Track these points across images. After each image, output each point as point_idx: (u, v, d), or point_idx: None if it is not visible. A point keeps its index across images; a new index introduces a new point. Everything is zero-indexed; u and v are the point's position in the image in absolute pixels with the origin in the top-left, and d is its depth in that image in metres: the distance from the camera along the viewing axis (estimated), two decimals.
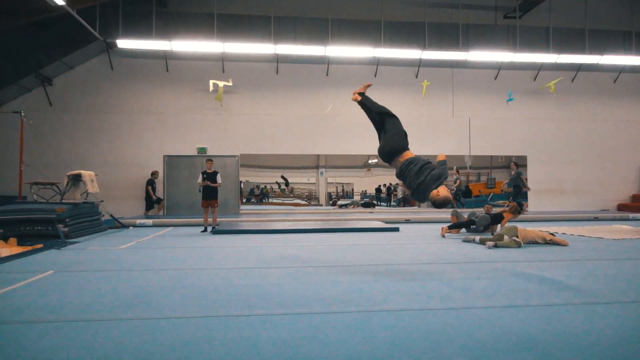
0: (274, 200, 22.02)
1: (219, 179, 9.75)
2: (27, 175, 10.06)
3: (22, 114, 10.21)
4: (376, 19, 13.70)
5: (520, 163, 16.24)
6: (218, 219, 10.50)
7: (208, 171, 9.73)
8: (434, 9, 14.39)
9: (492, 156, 16.78)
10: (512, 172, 12.69)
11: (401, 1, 14.51)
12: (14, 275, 4.99)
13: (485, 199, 16.69)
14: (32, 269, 5.40)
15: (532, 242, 7.39)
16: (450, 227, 8.90)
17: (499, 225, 8.81)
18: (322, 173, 23.00)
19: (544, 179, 15.22)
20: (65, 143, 12.84)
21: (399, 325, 3.24)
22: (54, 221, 8.27)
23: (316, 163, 22.68)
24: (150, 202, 12.97)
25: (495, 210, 9.30)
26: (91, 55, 13.26)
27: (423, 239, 8.41)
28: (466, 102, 14.95)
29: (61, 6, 9.22)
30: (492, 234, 8.23)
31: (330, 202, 22.56)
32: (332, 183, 25.79)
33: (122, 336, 3.05)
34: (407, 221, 12.11)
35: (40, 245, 7.47)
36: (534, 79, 15.14)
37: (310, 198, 24.84)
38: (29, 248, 7.21)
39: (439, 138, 14.73)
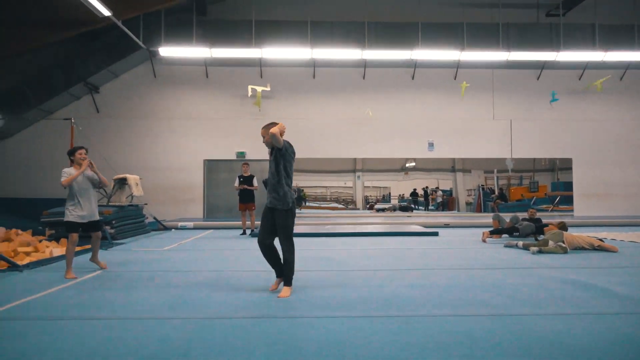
0: (311, 204, 22.14)
1: (255, 182, 9.87)
2: None
3: (72, 120, 10.74)
4: (413, 20, 13.56)
5: (564, 166, 15.64)
6: (258, 222, 10.63)
7: (245, 175, 9.89)
8: (472, 9, 14.11)
9: (534, 159, 16.25)
10: None
11: (438, 2, 14.31)
12: (60, 273, 5.23)
13: (528, 202, 16.17)
14: (82, 269, 5.65)
15: (579, 248, 7.09)
16: (491, 232, 8.67)
17: None
18: (358, 177, 22.93)
19: (590, 182, 14.58)
20: (111, 148, 13.37)
21: (441, 331, 3.18)
22: (101, 223, 8.61)
23: (353, 167, 22.65)
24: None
25: (539, 215, 8.97)
26: (135, 63, 13.77)
27: (463, 244, 8.23)
28: (507, 103, 14.54)
29: (108, 17, 9.63)
30: (536, 240, 7.95)
31: (367, 206, 22.45)
32: (369, 187, 25.70)
33: (167, 334, 3.14)
34: (446, 225, 11.88)
35: (89, 246, 7.79)
36: (579, 79, 14.56)
37: (347, 202, 24.82)
38: (79, 248, 7.54)
39: (479, 140, 14.39)
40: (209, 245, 8.35)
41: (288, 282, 4.28)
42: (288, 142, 4.29)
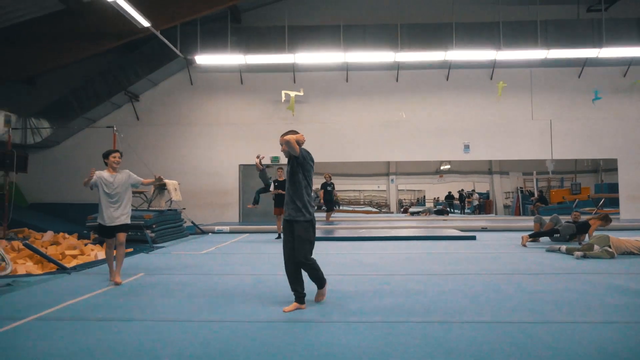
0: (345, 208, 22.10)
1: None
2: None
3: (115, 128, 11.15)
4: (447, 21, 13.37)
5: (609, 167, 14.99)
6: None
7: (279, 179, 9.98)
8: (509, 6, 13.77)
9: (576, 160, 15.66)
10: None
11: (473, 2, 14.05)
12: (106, 275, 5.42)
13: (570, 205, 15.59)
14: (125, 271, 5.84)
15: (627, 253, 6.77)
16: (531, 236, 8.40)
17: (586, 235, 8.17)
18: (392, 180, 22.75)
19: (638, 184, 13.90)
20: (150, 154, 13.79)
21: (483, 338, 3.11)
22: (142, 227, 8.91)
23: (386, 170, 22.50)
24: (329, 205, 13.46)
25: (584, 218, 8.63)
26: (173, 71, 14.18)
27: (502, 248, 8.01)
28: (547, 102, 14.08)
29: (147, 28, 9.97)
30: (580, 244, 7.65)
31: (402, 210, 22.22)
32: (403, 190, 25.43)
33: (207, 337, 3.21)
34: (484, 229, 11.60)
35: (130, 249, 8.07)
36: (624, 75, 13.93)
37: (381, 205, 24.64)
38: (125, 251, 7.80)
39: (517, 141, 13.98)
40: (245, 249, 8.47)
41: (320, 285, 4.11)
42: (306, 151, 4.09)
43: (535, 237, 8.47)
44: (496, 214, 18.44)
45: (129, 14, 9.04)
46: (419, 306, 3.97)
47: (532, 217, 10.30)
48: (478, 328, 3.32)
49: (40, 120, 13.18)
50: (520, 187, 18.26)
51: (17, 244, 7.30)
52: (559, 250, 7.23)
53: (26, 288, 4.93)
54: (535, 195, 17.36)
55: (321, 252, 7.65)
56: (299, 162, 4.03)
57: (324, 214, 13.66)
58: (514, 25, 13.44)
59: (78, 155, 13.73)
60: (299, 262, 3.95)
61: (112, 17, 9.96)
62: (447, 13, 13.47)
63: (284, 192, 9.68)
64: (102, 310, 3.97)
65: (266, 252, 7.82)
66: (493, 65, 13.77)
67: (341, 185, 19.04)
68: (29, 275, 5.73)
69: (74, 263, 6.73)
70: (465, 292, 4.48)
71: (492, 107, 13.94)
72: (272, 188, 10.01)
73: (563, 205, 16.12)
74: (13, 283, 5.11)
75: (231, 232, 11.60)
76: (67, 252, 7.29)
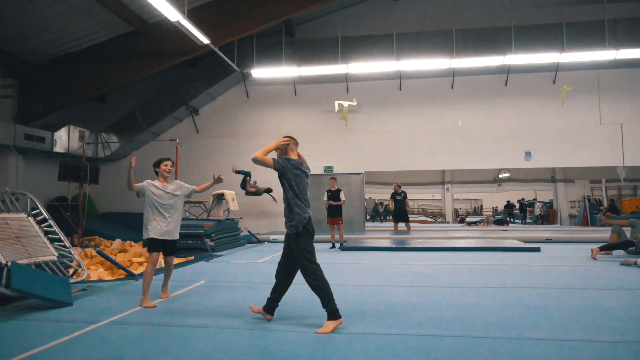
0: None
1: (342, 196, 9.96)
2: None
3: (177, 141, 11.71)
4: (504, 24, 12.94)
5: None
6: (346, 236, 10.71)
7: (332, 189, 10.02)
8: (572, 7, 13.12)
9: None
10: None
11: (532, 4, 13.52)
12: (175, 283, 5.64)
13: None
14: (188, 279, 6.08)
15: None
16: (602, 248, 7.86)
17: None
18: (447, 189, 22.17)
19: None
20: (210, 165, 14.30)
21: (554, 356, 2.94)
22: (202, 236, 9.24)
23: (441, 179, 21.98)
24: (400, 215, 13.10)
25: None
26: (230, 85, 14.70)
27: (570, 261, 7.56)
28: (616, 105, 13.21)
29: (207, 45, 10.43)
30: None
31: (458, 219, 21.56)
32: (459, 199, 24.71)
33: (270, 346, 3.27)
34: (548, 240, 11.00)
35: (192, 257, 8.39)
36: None
37: (435, 215, 24.06)
38: (183, 259, 8.14)
39: (584, 147, 13.19)
40: None
41: (330, 316, 3.62)
42: (286, 159, 3.86)
43: (607, 249, 7.92)
44: (561, 224, 17.47)
45: (191, 33, 9.50)
46: (482, 320, 3.82)
47: (601, 228, 9.65)
48: (549, 346, 3.14)
49: (110, 135, 14.08)
50: (588, 196, 17.19)
51: (90, 251, 7.80)
52: (635, 264, 6.72)
53: (99, 293, 5.24)
54: (605, 204, 16.27)
55: (373, 262, 7.58)
56: (279, 172, 3.83)
57: (391, 224, 13.43)
58: (578, 25, 12.78)
59: (143, 167, 14.45)
60: (302, 272, 3.81)
61: (175, 36, 10.50)
62: (505, 16, 13.05)
63: (334, 203, 9.80)
64: (169, 316, 4.14)
65: (319, 262, 7.84)
66: (556, 68, 13.14)
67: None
68: (101, 280, 6.10)
69: (140, 270, 7.08)
70: (531, 307, 4.27)
71: (555, 112, 13.27)
72: (325, 198, 10.09)
73: (637, 215, 14.98)
74: (88, 288, 5.46)
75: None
76: (134, 259, 7.69)
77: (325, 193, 10.12)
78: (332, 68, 12.88)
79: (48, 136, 11.74)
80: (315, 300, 3.76)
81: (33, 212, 5.78)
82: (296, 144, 4.06)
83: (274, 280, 4.03)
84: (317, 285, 3.72)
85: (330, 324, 3.57)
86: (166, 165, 4.85)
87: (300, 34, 14.60)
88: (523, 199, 20.68)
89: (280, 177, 3.85)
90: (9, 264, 4.51)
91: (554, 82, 13.29)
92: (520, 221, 20.08)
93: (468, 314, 4.04)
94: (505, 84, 13.58)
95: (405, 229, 13.03)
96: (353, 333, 3.53)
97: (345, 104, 13.21)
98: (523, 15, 13.17)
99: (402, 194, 12.86)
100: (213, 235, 9.48)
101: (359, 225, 13.87)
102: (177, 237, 4.79)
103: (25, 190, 6.53)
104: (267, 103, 14.72)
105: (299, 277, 3.90)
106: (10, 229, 5.18)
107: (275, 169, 3.79)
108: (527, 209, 20.20)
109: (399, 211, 13.05)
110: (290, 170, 3.81)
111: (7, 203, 5.59)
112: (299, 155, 4.08)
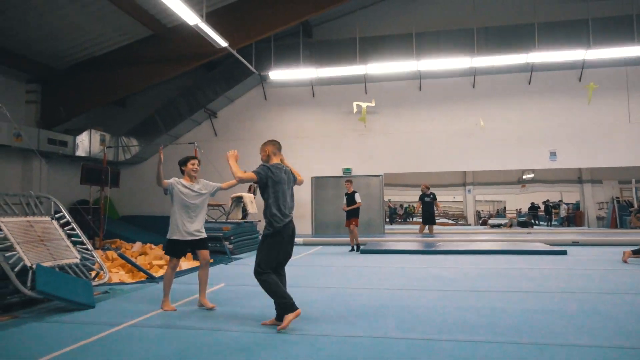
0: (418, 220, 21.45)
1: (357, 198, 9.85)
2: None
3: (195, 144, 11.77)
4: (527, 21, 12.63)
5: None
6: (365, 239, 10.59)
7: (347, 192, 9.96)
8: (598, 1, 12.72)
9: None
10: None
11: (556, 0, 13.17)
12: (194, 286, 5.61)
13: None
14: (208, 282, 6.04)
15: None
16: (634, 252, 7.55)
17: None
18: (469, 191, 21.78)
19: None
20: (228, 168, 14.34)
21: None
22: (221, 239, 9.23)
23: (463, 180, 21.60)
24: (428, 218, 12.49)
25: None
26: (248, 88, 14.73)
27: (599, 264, 7.28)
28: None
29: (225, 48, 10.45)
30: None
31: (480, 222, 21.12)
32: (481, 201, 24.23)
33: (289, 349, 3.18)
34: (575, 243, 10.66)
35: (211, 260, 8.36)
36: None
37: (457, 217, 23.65)
38: (189, 265, 8.11)
39: (611, 147, 12.75)
40: (319, 261, 8.46)
41: (278, 308, 3.76)
42: (267, 167, 3.98)
43: (638, 253, 7.60)
44: (588, 226, 16.94)
45: (209, 36, 9.53)
46: (508, 325, 3.67)
47: (632, 231, 9.29)
48: (578, 352, 2.98)
49: (130, 138, 14.25)
50: (617, 197, 16.64)
51: (111, 254, 7.86)
52: None
53: (120, 295, 5.25)
54: (636, 205, 15.71)
55: (392, 265, 7.43)
56: (261, 183, 3.98)
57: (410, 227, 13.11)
58: (605, 21, 12.39)
59: (163, 170, 14.64)
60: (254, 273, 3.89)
61: (194, 40, 10.56)
62: (528, 13, 12.74)
63: (347, 209, 9.70)
64: (189, 319, 4.11)
65: (338, 265, 7.74)
66: (582, 65, 12.76)
67: (414, 197, 18.50)
68: (122, 283, 6.12)
69: (160, 273, 7.09)
70: (558, 312, 4.08)
71: (581, 111, 12.88)
72: (344, 201, 10.03)
73: None
74: (109, 290, 5.48)
75: (304, 244, 11.69)
76: (154, 262, 7.71)
77: (345, 196, 10.06)
78: (351, 69, 12.76)
79: (70, 140, 11.94)
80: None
81: (56, 215, 5.84)
82: (279, 148, 4.21)
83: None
84: (266, 285, 3.80)
85: (289, 317, 3.63)
86: (193, 164, 4.84)
87: (318, 35, 14.55)
88: (548, 200, 20.15)
89: (259, 184, 3.99)
90: (34, 266, 4.56)
91: (579, 80, 12.90)
92: (545, 223, 19.57)
93: (494, 319, 3.89)
94: (529, 83, 13.25)
95: (427, 231, 12.71)
96: (375, 337, 3.42)
97: (364, 105, 13.09)
98: (547, 12, 12.83)
99: (432, 196, 12.20)
100: (232, 238, 9.47)
101: (378, 228, 13.71)
102: (204, 235, 4.73)
103: (49, 193, 6.61)
104: (285, 105, 14.69)
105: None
106: (35, 232, 5.24)
107: (258, 182, 3.95)
108: (553, 210, 19.67)
109: (428, 214, 12.31)
110: (270, 179, 3.94)
111: (31, 206, 5.66)
112: (282, 161, 4.15)
